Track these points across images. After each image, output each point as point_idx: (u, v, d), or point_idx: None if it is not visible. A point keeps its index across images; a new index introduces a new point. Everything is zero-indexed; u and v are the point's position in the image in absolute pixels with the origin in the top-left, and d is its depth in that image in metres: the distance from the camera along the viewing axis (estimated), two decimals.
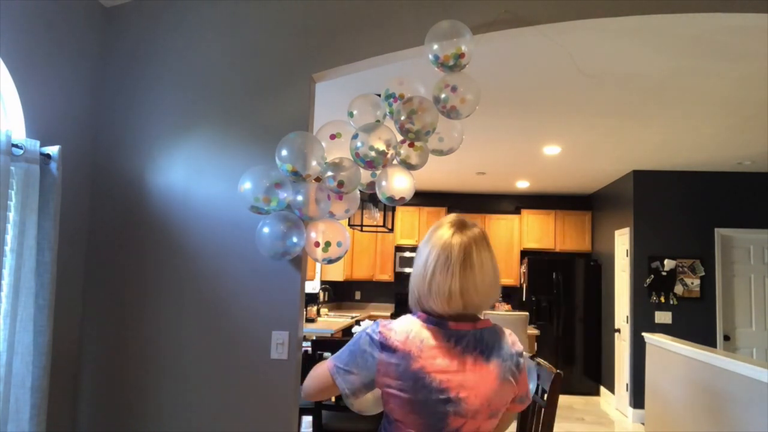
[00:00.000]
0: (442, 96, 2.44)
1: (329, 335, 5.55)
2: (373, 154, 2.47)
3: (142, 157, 2.75)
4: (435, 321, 1.52)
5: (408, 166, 2.69)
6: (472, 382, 1.48)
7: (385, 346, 1.50)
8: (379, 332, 1.53)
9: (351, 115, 2.57)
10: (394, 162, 2.65)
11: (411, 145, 2.63)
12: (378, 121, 2.59)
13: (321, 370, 1.62)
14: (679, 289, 6.53)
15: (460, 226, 1.55)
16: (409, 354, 1.48)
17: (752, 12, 2.42)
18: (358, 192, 2.81)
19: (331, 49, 2.70)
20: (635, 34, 3.17)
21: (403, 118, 2.47)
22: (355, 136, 2.50)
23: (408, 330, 1.52)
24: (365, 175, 2.73)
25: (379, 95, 2.71)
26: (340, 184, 2.52)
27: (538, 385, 2.37)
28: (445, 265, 1.49)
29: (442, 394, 1.46)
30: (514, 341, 1.59)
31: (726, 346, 6.37)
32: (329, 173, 2.54)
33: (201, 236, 2.69)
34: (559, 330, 7.90)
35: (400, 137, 2.59)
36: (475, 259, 1.50)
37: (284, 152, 2.46)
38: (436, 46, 2.39)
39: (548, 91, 4.14)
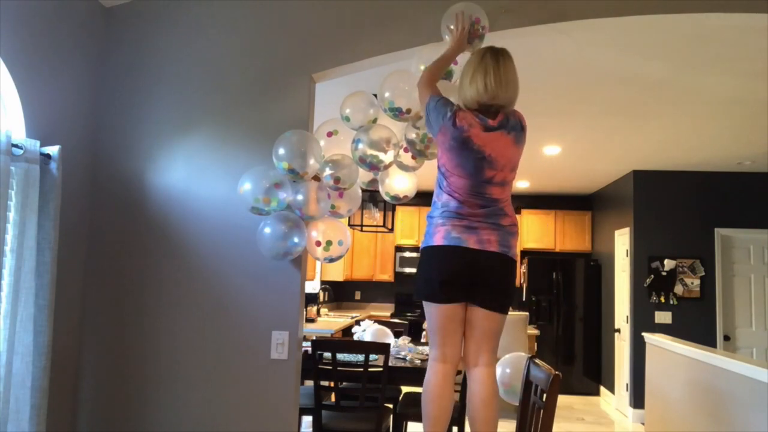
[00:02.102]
0: None
1: (329, 335, 5.55)
2: (376, 157, 2.47)
3: (142, 157, 2.75)
4: (476, 113, 2.23)
5: (405, 167, 2.70)
6: (499, 147, 2.21)
7: (453, 120, 2.21)
8: (453, 111, 2.23)
9: (347, 119, 2.55)
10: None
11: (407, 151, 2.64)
12: (376, 119, 2.59)
13: (422, 89, 2.35)
14: (679, 289, 6.53)
15: (490, 48, 2.27)
16: (464, 127, 2.20)
17: (752, 12, 2.42)
18: (360, 190, 2.81)
19: (331, 49, 2.70)
20: (635, 34, 3.17)
21: (413, 137, 2.49)
22: (356, 140, 2.50)
23: (462, 115, 2.23)
24: (367, 173, 2.74)
25: (375, 95, 2.70)
26: (337, 180, 2.52)
27: (537, 386, 2.37)
28: (484, 69, 2.21)
29: (480, 154, 2.20)
30: (521, 116, 2.28)
31: (726, 346, 6.37)
32: (327, 170, 2.54)
33: (201, 236, 2.69)
34: (559, 330, 7.90)
35: (400, 137, 2.59)
36: (501, 64, 2.22)
37: (281, 150, 2.46)
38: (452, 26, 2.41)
39: (548, 91, 4.14)
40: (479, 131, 2.19)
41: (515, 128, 2.24)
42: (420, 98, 2.36)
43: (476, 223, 2.23)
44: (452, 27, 2.42)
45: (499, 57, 2.23)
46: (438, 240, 2.23)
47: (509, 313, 6.56)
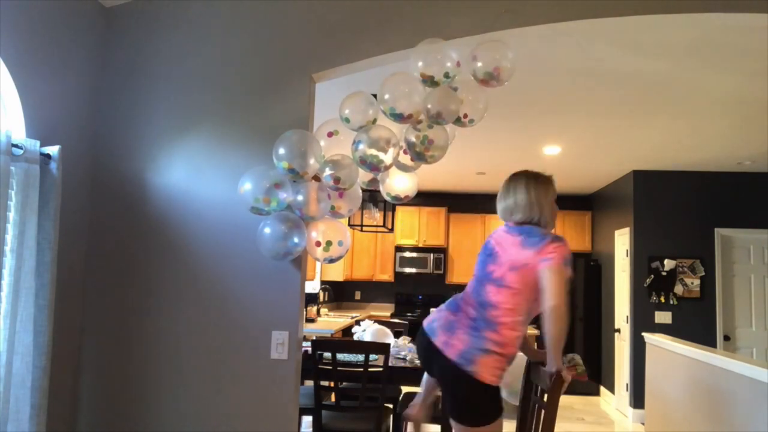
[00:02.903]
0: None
1: (329, 335, 5.55)
2: (376, 158, 2.47)
3: (142, 157, 2.75)
4: (505, 225, 2.48)
5: (404, 168, 2.70)
6: (506, 244, 2.36)
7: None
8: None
9: (347, 120, 2.55)
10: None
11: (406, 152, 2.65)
12: (375, 120, 2.58)
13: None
14: (679, 289, 6.53)
15: (519, 173, 2.52)
16: (492, 237, 2.46)
17: (752, 12, 2.42)
18: (360, 190, 2.81)
19: (331, 49, 2.70)
20: (635, 34, 3.17)
21: (413, 139, 2.49)
22: (356, 141, 2.49)
23: (495, 231, 2.49)
24: (367, 173, 2.73)
25: (375, 95, 2.70)
26: (337, 180, 2.52)
27: (537, 386, 2.37)
28: (503, 194, 2.49)
29: (491, 251, 2.39)
30: (544, 232, 2.34)
31: (726, 346, 6.37)
32: (327, 170, 2.54)
33: (201, 236, 2.69)
34: None
35: (400, 137, 2.58)
36: (511, 190, 2.46)
37: (281, 150, 2.46)
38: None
39: (548, 91, 4.14)
40: (498, 235, 2.44)
41: (529, 234, 2.32)
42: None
43: (460, 323, 2.29)
44: (420, 64, 2.47)
45: (510, 185, 2.50)
46: (425, 321, 2.41)
47: None
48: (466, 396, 2.21)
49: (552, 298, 2.16)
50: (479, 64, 2.43)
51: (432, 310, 2.54)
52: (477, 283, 2.36)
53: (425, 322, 2.39)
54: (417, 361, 3.80)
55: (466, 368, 2.18)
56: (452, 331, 2.25)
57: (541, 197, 2.42)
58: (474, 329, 2.23)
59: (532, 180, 2.45)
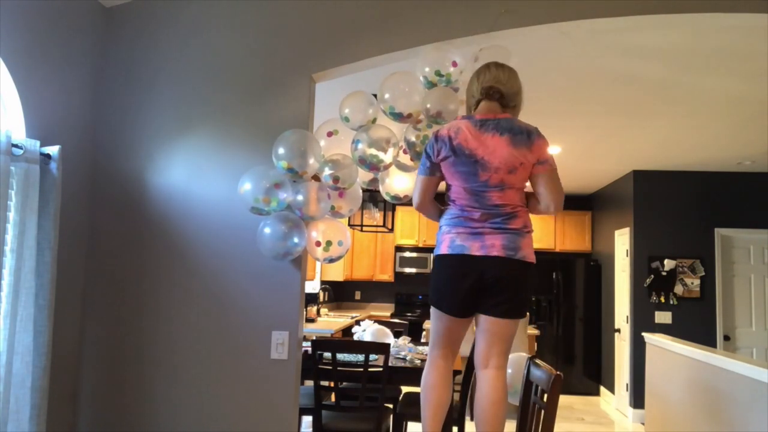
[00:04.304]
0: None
1: (329, 335, 5.55)
2: (376, 157, 2.47)
3: (142, 157, 2.75)
4: (466, 117, 2.28)
5: (404, 168, 2.69)
6: (491, 148, 2.18)
7: (437, 138, 2.25)
8: (433, 134, 2.30)
9: (346, 119, 2.55)
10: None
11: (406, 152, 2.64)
12: (375, 119, 2.58)
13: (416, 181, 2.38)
14: (679, 289, 6.53)
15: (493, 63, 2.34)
16: (450, 137, 2.23)
17: (752, 12, 2.42)
18: (360, 190, 2.81)
19: (331, 49, 2.70)
20: (635, 34, 3.17)
21: (413, 139, 2.49)
22: (356, 141, 2.50)
23: (449, 126, 2.28)
24: (367, 173, 2.73)
25: (375, 95, 2.70)
26: (336, 179, 2.52)
27: (537, 386, 2.37)
28: (486, 66, 2.32)
29: (472, 158, 2.19)
30: (523, 125, 2.23)
31: (726, 346, 6.37)
32: (326, 170, 2.54)
33: (201, 236, 2.69)
34: (559, 330, 7.90)
35: (399, 136, 2.59)
36: (498, 67, 2.30)
37: (280, 150, 2.46)
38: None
39: (548, 91, 4.14)
40: (467, 134, 2.21)
41: (512, 131, 2.20)
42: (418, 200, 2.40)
43: (480, 228, 2.21)
44: (427, 69, 2.49)
45: (502, 64, 2.32)
46: (444, 249, 2.25)
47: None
48: (523, 285, 2.22)
49: (555, 201, 2.28)
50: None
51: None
52: (472, 194, 2.22)
53: (443, 250, 2.24)
54: (417, 361, 3.80)
55: (516, 257, 2.18)
56: (480, 238, 2.20)
57: (521, 88, 2.34)
58: (498, 228, 2.20)
59: (507, 68, 2.33)
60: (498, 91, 2.26)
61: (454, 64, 2.46)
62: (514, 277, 2.20)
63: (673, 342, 4.69)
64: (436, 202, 2.39)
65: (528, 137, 2.20)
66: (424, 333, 7.05)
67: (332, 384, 3.57)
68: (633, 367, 6.47)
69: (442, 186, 2.37)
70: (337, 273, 8.05)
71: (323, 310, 7.42)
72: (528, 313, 6.76)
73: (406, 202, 2.88)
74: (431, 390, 2.27)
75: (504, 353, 2.26)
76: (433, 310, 2.31)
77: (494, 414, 2.17)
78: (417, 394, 3.87)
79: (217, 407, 2.61)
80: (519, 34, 2.59)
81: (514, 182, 2.22)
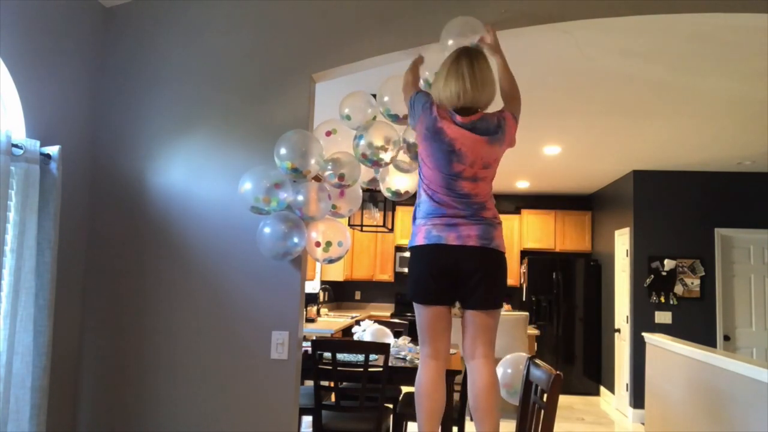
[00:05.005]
0: None
1: (329, 335, 5.55)
2: (377, 154, 2.48)
3: (141, 157, 2.75)
4: (448, 112, 2.25)
5: (403, 168, 2.70)
6: (469, 144, 2.21)
7: (431, 106, 2.26)
8: (426, 99, 2.29)
9: (348, 118, 2.56)
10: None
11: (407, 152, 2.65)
12: (375, 117, 2.59)
13: (407, 89, 2.43)
14: (679, 289, 6.53)
15: (464, 49, 2.28)
16: (436, 117, 2.23)
17: (752, 12, 2.42)
18: (360, 190, 2.81)
19: (331, 49, 2.70)
20: (635, 34, 3.17)
21: (411, 140, 2.49)
22: (358, 137, 2.50)
23: (438, 105, 2.26)
24: (367, 172, 2.74)
25: (374, 95, 2.71)
26: (341, 177, 2.53)
27: (537, 386, 2.37)
28: (457, 73, 2.22)
29: (450, 146, 2.21)
30: (502, 116, 2.28)
31: (726, 346, 6.37)
32: (329, 169, 2.54)
33: (201, 236, 2.69)
34: (559, 330, 7.90)
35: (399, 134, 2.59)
36: (476, 67, 2.22)
37: (283, 150, 2.46)
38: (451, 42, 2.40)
39: (548, 91, 4.14)
40: (450, 123, 2.23)
41: (488, 132, 2.23)
42: (405, 97, 2.43)
43: (455, 219, 2.24)
44: (427, 73, 2.47)
45: (473, 60, 2.23)
46: (420, 239, 2.28)
47: (510, 313, 6.57)
48: (499, 275, 2.27)
49: (516, 93, 2.41)
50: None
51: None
52: (446, 179, 2.23)
53: (419, 241, 2.27)
54: (417, 361, 3.80)
55: (491, 246, 2.23)
56: (456, 229, 2.24)
57: (493, 75, 2.29)
58: (471, 217, 2.25)
59: (483, 55, 2.28)
60: (474, 110, 2.26)
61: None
62: (490, 266, 2.25)
63: (673, 342, 4.69)
64: None
65: (501, 132, 2.27)
66: None
67: (332, 384, 3.57)
68: (633, 367, 6.47)
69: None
70: (337, 273, 8.05)
71: (323, 310, 7.42)
72: (527, 313, 6.76)
73: (407, 199, 2.88)
74: (424, 398, 2.28)
75: (488, 343, 2.30)
76: (414, 306, 2.33)
77: (487, 399, 2.20)
78: None
79: (217, 407, 2.61)
80: (519, 34, 2.59)
81: (486, 175, 2.29)
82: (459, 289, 2.27)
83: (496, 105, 2.31)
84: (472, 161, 2.22)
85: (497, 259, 2.26)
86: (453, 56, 2.27)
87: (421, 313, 2.32)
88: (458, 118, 2.23)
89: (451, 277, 2.25)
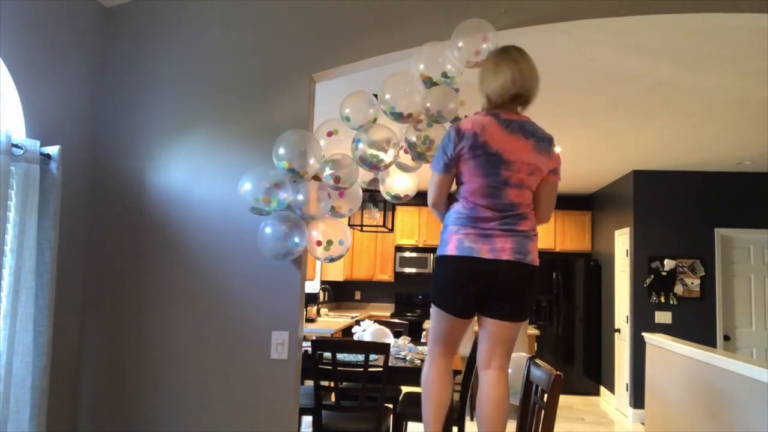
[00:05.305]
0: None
1: (329, 335, 5.55)
2: (376, 157, 2.47)
3: (141, 157, 2.75)
4: (491, 113, 2.22)
5: (404, 168, 2.70)
6: (517, 149, 2.17)
7: (459, 134, 2.19)
8: (453, 128, 2.21)
9: (347, 119, 2.55)
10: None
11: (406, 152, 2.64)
12: (375, 119, 2.58)
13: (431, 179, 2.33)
14: (679, 289, 6.53)
15: (509, 45, 2.31)
16: (476, 133, 2.17)
17: (752, 12, 2.42)
18: (360, 190, 2.81)
19: (331, 49, 2.70)
20: (635, 34, 3.17)
21: (414, 139, 2.48)
22: (356, 140, 2.50)
23: (473, 120, 2.21)
24: (367, 173, 2.73)
25: (375, 95, 2.70)
26: (337, 179, 2.52)
27: (537, 386, 2.37)
28: (510, 59, 2.23)
29: (496, 156, 2.16)
30: (544, 131, 2.26)
31: (726, 346, 6.37)
32: (327, 170, 2.54)
33: (201, 236, 2.69)
34: (559, 330, 7.90)
35: (400, 136, 2.59)
36: (525, 56, 2.26)
37: (281, 150, 2.46)
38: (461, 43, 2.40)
39: (548, 91, 4.14)
40: (494, 133, 2.16)
41: (536, 136, 2.20)
42: (435, 203, 2.34)
43: (490, 230, 2.18)
44: (461, 44, 2.40)
45: (521, 51, 2.27)
46: (451, 249, 2.20)
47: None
48: (531, 289, 2.22)
49: (548, 214, 2.34)
50: (461, 44, 2.42)
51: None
52: (489, 190, 2.17)
53: (450, 251, 2.19)
54: (417, 361, 3.80)
55: (526, 261, 2.18)
56: (490, 241, 2.16)
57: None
58: (507, 230, 2.18)
59: (527, 59, 2.27)
60: (525, 99, 2.25)
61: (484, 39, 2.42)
62: (522, 281, 2.19)
63: (673, 342, 4.69)
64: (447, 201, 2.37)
65: (549, 145, 2.25)
66: (424, 333, 7.05)
67: (332, 384, 3.57)
68: (633, 367, 6.47)
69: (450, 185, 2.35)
70: (337, 273, 8.05)
71: (323, 310, 7.42)
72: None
73: (406, 201, 2.88)
74: (432, 384, 2.27)
75: (506, 354, 2.26)
76: (434, 309, 2.28)
77: (496, 414, 2.17)
78: (417, 394, 3.86)
79: (216, 407, 2.60)
80: (519, 34, 2.59)
81: (531, 183, 2.23)
82: (487, 301, 2.21)
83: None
84: (519, 167, 2.17)
85: (530, 273, 2.20)
86: (498, 50, 2.29)
87: (441, 319, 2.28)
88: (503, 115, 2.19)
89: (480, 290, 2.18)
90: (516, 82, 2.19)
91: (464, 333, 2.34)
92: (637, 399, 6.30)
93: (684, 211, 6.62)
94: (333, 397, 3.97)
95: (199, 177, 2.72)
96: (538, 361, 2.49)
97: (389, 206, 5.83)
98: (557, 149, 2.42)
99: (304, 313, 3.28)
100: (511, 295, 2.19)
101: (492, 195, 2.18)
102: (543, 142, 2.22)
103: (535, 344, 7.16)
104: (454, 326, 2.28)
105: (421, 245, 8.49)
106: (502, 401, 2.19)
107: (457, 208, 2.24)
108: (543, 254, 8.21)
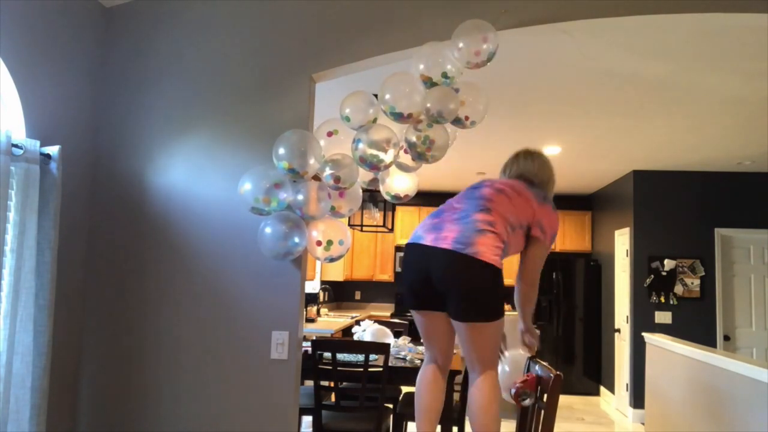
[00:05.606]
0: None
1: (329, 335, 5.55)
2: (376, 157, 2.47)
3: (142, 157, 2.75)
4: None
5: (404, 168, 2.70)
6: (502, 182, 2.34)
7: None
8: None
9: (347, 119, 2.55)
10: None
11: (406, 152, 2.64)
12: (375, 119, 2.58)
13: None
14: (679, 289, 6.53)
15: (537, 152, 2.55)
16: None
17: (752, 12, 2.42)
18: (360, 190, 2.81)
19: (331, 49, 2.70)
20: (635, 34, 3.17)
21: (414, 139, 2.48)
22: (356, 140, 2.49)
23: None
24: (367, 173, 2.73)
25: (376, 95, 2.70)
26: (337, 179, 2.52)
27: (537, 385, 2.37)
28: (515, 160, 2.50)
29: (480, 183, 2.36)
30: (547, 199, 2.39)
31: (726, 346, 6.37)
32: (327, 170, 2.54)
33: (201, 236, 2.69)
34: (559, 330, 7.90)
35: (400, 136, 2.58)
36: (528, 157, 2.49)
37: (281, 150, 2.46)
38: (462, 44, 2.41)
39: (548, 91, 4.14)
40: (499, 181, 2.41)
41: (535, 188, 2.41)
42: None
43: (446, 222, 2.21)
44: (461, 45, 2.42)
45: (532, 153, 2.54)
46: (410, 240, 2.28)
47: (510, 313, 6.56)
48: (472, 284, 2.07)
49: (536, 271, 2.37)
50: (461, 44, 2.42)
51: None
52: (468, 190, 2.37)
53: (409, 241, 2.27)
54: (417, 361, 3.80)
55: (465, 251, 2.05)
56: (439, 229, 2.17)
57: (552, 177, 2.54)
58: (462, 218, 2.17)
59: (536, 158, 2.53)
60: (528, 180, 2.46)
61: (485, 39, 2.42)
62: (460, 273, 2.08)
63: (673, 342, 4.69)
64: None
65: (544, 198, 2.40)
66: None
67: (332, 384, 3.57)
68: (633, 367, 6.47)
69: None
70: (337, 273, 8.05)
71: (323, 310, 7.42)
72: (499, 317, 6.72)
73: (406, 201, 2.88)
74: (418, 396, 2.33)
75: (482, 359, 2.18)
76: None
77: (483, 418, 2.19)
78: None
79: (217, 407, 2.61)
80: (519, 34, 2.59)
81: (510, 194, 2.33)
82: (437, 296, 2.16)
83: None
84: (500, 187, 2.35)
85: (470, 266, 2.05)
86: (531, 152, 2.57)
87: (415, 319, 2.35)
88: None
89: (425, 279, 2.14)
90: (515, 171, 2.55)
91: (440, 329, 2.28)
92: (637, 399, 6.30)
93: (684, 211, 6.62)
94: (333, 397, 3.98)
95: (199, 177, 2.72)
96: (537, 360, 2.49)
97: (389, 206, 5.83)
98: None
99: (304, 313, 3.28)
100: (453, 291, 2.10)
101: (465, 195, 2.33)
102: (539, 191, 2.42)
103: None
104: (424, 324, 2.30)
105: None
106: (488, 405, 2.17)
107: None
108: None
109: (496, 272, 2.09)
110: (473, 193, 2.32)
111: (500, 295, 2.13)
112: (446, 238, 2.11)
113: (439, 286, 2.11)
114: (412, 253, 2.19)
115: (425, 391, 2.31)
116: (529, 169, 2.47)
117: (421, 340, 2.40)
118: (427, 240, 2.14)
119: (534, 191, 2.38)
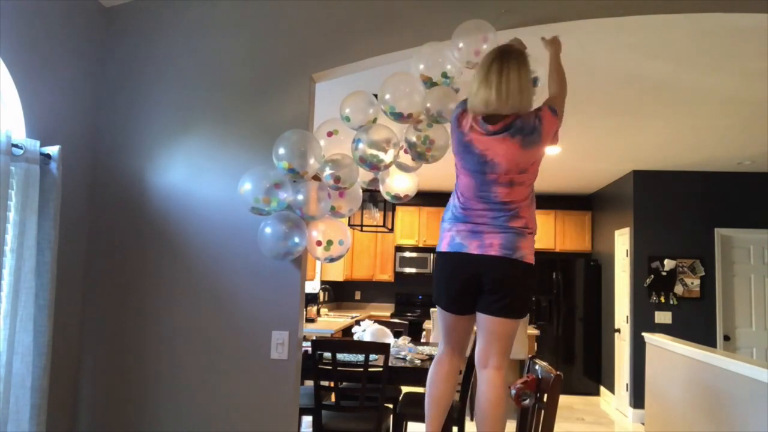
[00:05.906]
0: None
1: (329, 335, 5.55)
2: (376, 157, 2.47)
3: (142, 157, 2.75)
4: (477, 115, 2.20)
5: (404, 168, 2.70)
6: (501, 151, 2.16)
7: (457, 120, 2.26)
8: (457, 112, 2.28)
9: (347, 119, 2.55)
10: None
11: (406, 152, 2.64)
12: (375, 119, 2.58)
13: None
14: (679, 289, 6.53)
15: (499, 53, 2.21)
16: (462, 132, 2.23)
17: (752, 12, 2.42)
18: (360, 190, 2.81)
19: (331, 49, 2.70)
20: (635, 34, 3.17)
21: (414, 139, 2.48)
22: (356, 140, 2.50)
23: (466, 118, 2.23)
24: (367, 173, 2.73)
25: (376, 95, 2.70)
26: (337, 179, 2.52)
27: (537, 386, 2.37)
28: (487, 80, 2.15)
29: (481, 158, 2.18)
30: (540, 115, 2.19)
31: (726, 346, 6.37)
32: (327, 170, 2.54)
33: (201, 236, 2.69)
34: (559, 330, 7.90)
35: (400, 136, 2.58)
36: (503, 75, 2.14)
37: (281, 150, 2.46)
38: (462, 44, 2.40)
39: (548, 91, 4.13)
40: (479, 135, 2.19)
41: (523, 131, 2.15)
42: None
43: (481, 226, 2.22)
44: (461, 45, 2.40)
45: (503, 67, 2.15)
46: (444, 246, 2.27)
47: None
48: (521, 285, 2.21)
49: (563, 90, 2.42)
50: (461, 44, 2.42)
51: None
52: (481, 185, 2.20)
53: (443, 247, 2.25)
54: (417, 361, 3.80)
55: (514, 257, 2.17)
56: (479, 236, 2.20)
57: (529, 80, 2.20)
58: (499, 226, 2.20)
59: (520, 59, 2.20)
60: (501, 117, 2.17)
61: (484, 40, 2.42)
62: (510, 276, 2.20)
63: (673, 342, 4.69)
64: None
65: (537, 133, 2.17)
66: (424, 333, 7.05)
67: (332, 384, 3.57)
68: (633, 367, 6.47)
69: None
70: (337, 273, 8.05)
71: (323, 310, 7.42)
72: (528, 313, 6.75)
73: (406, 201, 2.88)
74: (433, 383, 2.33)
75: (502, 353, 2.26)
76: (437, 307, 2.36)
77: (493, 414, 2.18)
78: (417, 394, 3.87)
79: (217, 407, 2.60)
80: (519, 34, 2.58)
81: (524, 180, 2.22)
82: (479, 297, 2.24)
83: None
84: (507, 169, 2.17)
85: (519, 269, 2.20)
86: (487, 60, 2.19)
87: (441, 317, 2.36)
88: (490, 127, 2.18)
89: (472, 285, 2.22)
90: (487, 107, 2.15)
91: (467, 331, 2.37)
92: (637, 399, 6.30)
93: (684, 211, 6.62)
94: (333, 397, 3.98)
95: (199, 177, 2.72)
96: (538, 361, 2.49)
97: (389, 206, 5.83)
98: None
99: (304, 313, 3.28)
100: (501, 291, 2.20)
101: (482, 191, 2.21)
102: (531, 135, 2.16)
103: (535, 344, 7.16)
104: (452, 323, 2.33)
105: (421, 245, 8.49)
106: (499, 401, 2.20)
107: (454, 202, 2.30)
108: (543, 254, 8.21)
109: (534, 272, 2.26)
110: (488, 195, 2.19)
111: (533, 292, 2.31)
112: (492, 245, 2.19)
113: (491, 286, 2.21)
114: (458, 259, 2.24)
115: (440, 381, 2.32)
116: (511, 105, 2.13)
117: (441, 335, 2.40)
118: (472, 248, 2.21)
119: (522, 137, 2.15)
